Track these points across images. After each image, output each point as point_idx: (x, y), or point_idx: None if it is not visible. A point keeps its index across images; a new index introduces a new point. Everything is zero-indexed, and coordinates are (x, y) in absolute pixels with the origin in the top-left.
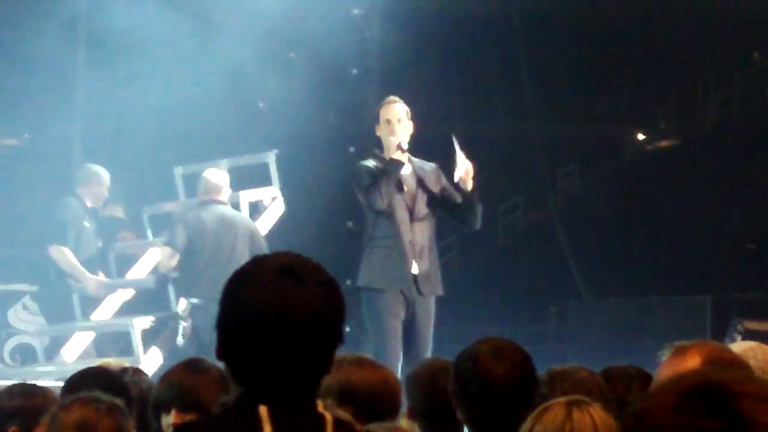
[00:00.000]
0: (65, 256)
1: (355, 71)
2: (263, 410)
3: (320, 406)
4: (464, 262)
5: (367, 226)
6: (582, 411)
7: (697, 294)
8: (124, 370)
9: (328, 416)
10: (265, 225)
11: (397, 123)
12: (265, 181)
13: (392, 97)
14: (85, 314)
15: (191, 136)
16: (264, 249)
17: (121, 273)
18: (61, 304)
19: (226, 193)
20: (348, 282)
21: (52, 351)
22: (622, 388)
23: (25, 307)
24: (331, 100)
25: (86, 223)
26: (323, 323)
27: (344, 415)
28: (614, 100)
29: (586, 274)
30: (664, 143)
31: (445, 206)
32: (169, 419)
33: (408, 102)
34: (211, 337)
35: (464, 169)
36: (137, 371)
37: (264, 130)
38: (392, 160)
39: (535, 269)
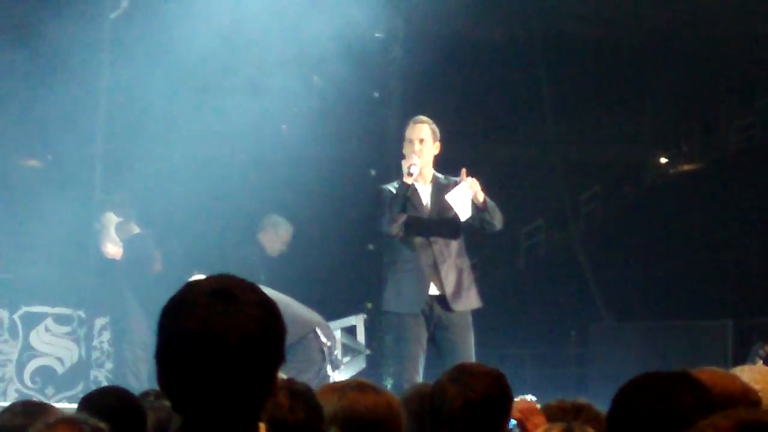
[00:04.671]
0: None
1: (376, 94)
2: None
3: (262, 429)
4: (485, 285)
5: (387, 249)
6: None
7: (718, 318)
8: (147, 393)
9: None
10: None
11: (419, 143)
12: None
13: (420, 117)
14: None
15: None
16: None
17: None
18: None
19: None
20: (368, 305)
21: None
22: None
23: (47, 329)
24: (352, 122)
25: (261, 276)
26: (258, 345)
27: None
28: (636, 123)
29: (608, 298)
30: (686, 167)
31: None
32: None
33: None
34: None
35: (467, 186)
36: (160, 395)
37: (287, 151)
38: (403, 183)
39: (557, 292)
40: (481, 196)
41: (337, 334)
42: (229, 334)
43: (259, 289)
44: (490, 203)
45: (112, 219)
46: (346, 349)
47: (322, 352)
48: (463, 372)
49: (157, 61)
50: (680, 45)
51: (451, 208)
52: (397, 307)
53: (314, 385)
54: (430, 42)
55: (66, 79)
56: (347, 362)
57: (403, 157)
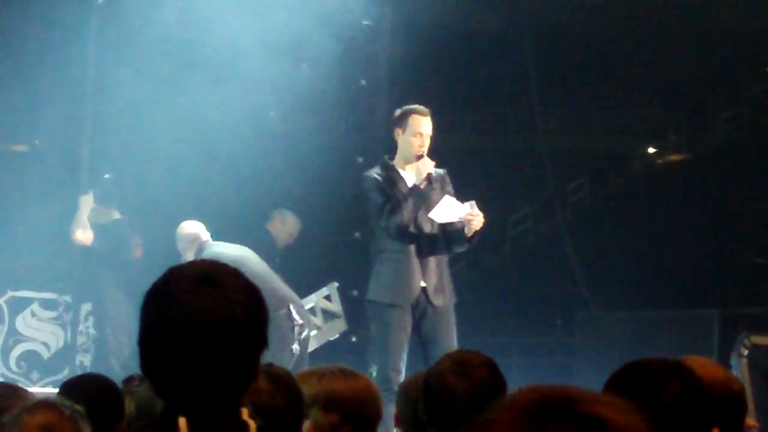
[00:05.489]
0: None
1: (364, 82)
2: (182, 422)
3: (245, 414)
4: (472, 273)
5: (375, 238)
6: None
7: (705, 308)
8: (131, 378)
9: (252, 424)
10: (319, 340)
11: (427, 138)
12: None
13: (423, 108)
14: None
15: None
16: None
17: None
18: None
19: None
20: (355, 293)
21: None
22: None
23: (33, 314)
24: (340, 110)
25: (277, 259)
26: (241, 330)
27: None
28: (624, 113)
29: (594, 287)
30: (674, 157)
31: None
32: None
33: None
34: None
35: (467, 212)
36: (144, 380)
37: (274, 139)
38: (420, 190)
39: (543, 281)
40: (473, 232)
41: (313, 300)
42: (212, 319)
43: (242, 274)
44: (474, 239)
45: (87, 201)
46: (326, 315)
47: (293, 331)
48: (463, 364)
49: (145, 47)
50: (668, 36)
51: (437, 202)
52: (382, 296)
53: (285, 363)
54: (419, 30)
55: (53, 65)
56: (329, 325)
57: (394, 143)
